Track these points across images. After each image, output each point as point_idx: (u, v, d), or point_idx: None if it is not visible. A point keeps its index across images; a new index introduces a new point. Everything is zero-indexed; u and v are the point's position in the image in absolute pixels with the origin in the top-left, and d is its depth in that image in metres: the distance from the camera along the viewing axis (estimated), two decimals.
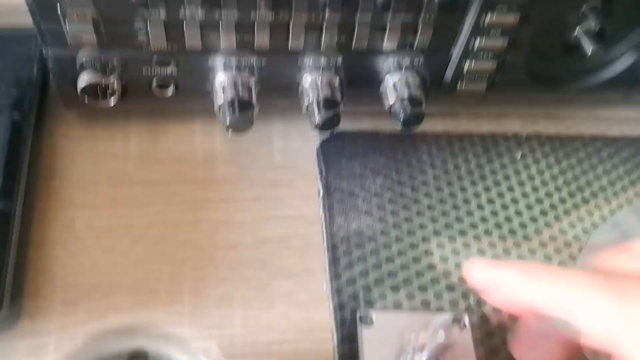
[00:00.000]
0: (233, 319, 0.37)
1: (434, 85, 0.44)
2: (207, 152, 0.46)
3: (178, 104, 0.44)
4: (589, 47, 0.40)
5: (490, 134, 0.49)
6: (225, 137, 0.46)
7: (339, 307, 0.38)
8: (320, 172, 0.45)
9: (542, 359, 0.30)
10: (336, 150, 0.46)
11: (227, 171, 0.45)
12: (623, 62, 0.44)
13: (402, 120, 0.42)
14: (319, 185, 0.44)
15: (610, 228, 0.43)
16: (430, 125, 0.49)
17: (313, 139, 0.47)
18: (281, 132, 0.47)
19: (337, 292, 0.39)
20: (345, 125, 0.48)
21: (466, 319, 0.36)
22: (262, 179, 0.44)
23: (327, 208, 0.43)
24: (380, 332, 0.36)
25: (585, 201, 0.45)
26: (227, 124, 0.40)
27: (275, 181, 0.44)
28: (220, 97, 0.41)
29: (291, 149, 0.46)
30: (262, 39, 0.39)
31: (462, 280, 0.39)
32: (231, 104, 0.40)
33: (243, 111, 0.40)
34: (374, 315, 0.37)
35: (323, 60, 0.41)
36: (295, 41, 0.40)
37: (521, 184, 0.46)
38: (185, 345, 0.36)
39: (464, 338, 0.35)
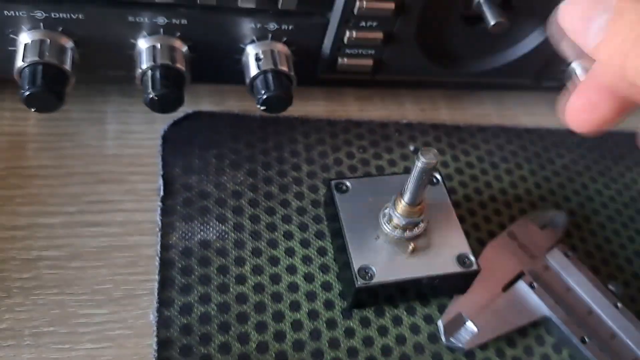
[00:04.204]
0: None
1: (310, 59, 0.36)
2: (15, 135, 0.35)
3: None
4: (491, 19, 0.32)
5: (381, 122, 0.41)
6: (40, 118, 0.35)
7: (164, 344, 0.29)
8: (163, 165, 0.35)
9: (596, 122, 0.28)
10: (188, 136, 0.37)
11: (39, 161, 0.34)
12: (531, 41, 0.37)
13: (263, 100, 0.33)
14: (159, 182, 0.34)
15: None
16: (311, 109, 0.41)
17: (160, 122, 0.37)
18: (117, 111, 0.37)
19: (164, 324, 0.29)
20: (204, 105, 0.39)
21: (437, 175, 0.35)
22: (86, 171, 0.34)
23: (166, 212, 0.33)
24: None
25: (483, 206, 0.38)
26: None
27: (104, 175, 0.34)
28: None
29: (129, 133, 0.36)
30: None
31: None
32: (32, 72, 0.30)
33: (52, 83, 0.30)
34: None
35: (161, 19, 0.32)
36: None
37: None
38: None
39: (439, 191, 0.34)
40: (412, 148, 0.40)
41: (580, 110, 0.28)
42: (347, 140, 0.39)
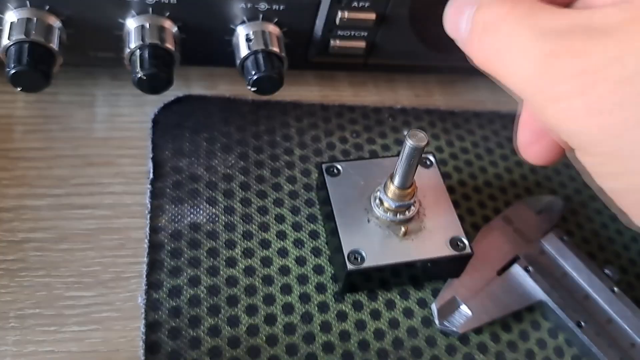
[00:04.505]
0: (5, 345, 0.27)
1: (301, 41, 0.35)
2: (2, 117, 0.34)
3: None
4: None
5: (374, 107, 0.41)
6: (29, 100, 0.35)
7: (152, 327, 0.28)
8: (153, 148, 0.35)
9: (546, 154, 0.28)
10: (179, 119, 0.36)
11: (26, 143, 0.33)
12: None
13: (253, 81, 0.32)
14: (149, 165, 0.34)
15: None
16: (304, 94, 0.40)
17: (150, 105, 0.36)
18: (107, 95, 0.37)
19: (153, 306, 0.29)
20: (195, 89, 0.38)
21: (431, 157, 0.34)
22: (74, 154, 0.34)
23: (156, 194, 0.33)
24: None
25: (478, 191, 0.38)
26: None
27: (92, 158, 0.34)
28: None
29: (119, 116, 0.36)
30: None
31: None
32: (18, 51, 0.29)
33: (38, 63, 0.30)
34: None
35: None
36: None
37: None
38: None
39: (433, 173, 0.34)
40: (406, 133, 0.39)
41: (529, 143, 0.28)
42: (340, 124, 0.39)
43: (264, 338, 0.29)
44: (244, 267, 0.31)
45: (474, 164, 0.39)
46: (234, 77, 0.35)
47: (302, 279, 0.31)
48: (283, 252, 0.32)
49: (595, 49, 0.19)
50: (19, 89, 0.30)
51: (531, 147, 0.27)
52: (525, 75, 0.21)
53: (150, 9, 0.32)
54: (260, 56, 0.32)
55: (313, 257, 0.32)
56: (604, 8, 0.20)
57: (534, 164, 0.28)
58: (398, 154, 0.38)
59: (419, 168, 0.32)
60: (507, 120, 0.42)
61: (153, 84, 0.31)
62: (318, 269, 0.32)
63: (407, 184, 0.30)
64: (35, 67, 0.29)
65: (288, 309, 0.30)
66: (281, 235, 0.33)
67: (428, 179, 0.33)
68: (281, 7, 0.33)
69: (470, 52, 0.23)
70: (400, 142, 0.39)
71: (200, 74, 0.39)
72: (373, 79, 0.43)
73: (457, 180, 0.38)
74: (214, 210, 0.33)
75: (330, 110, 0.40)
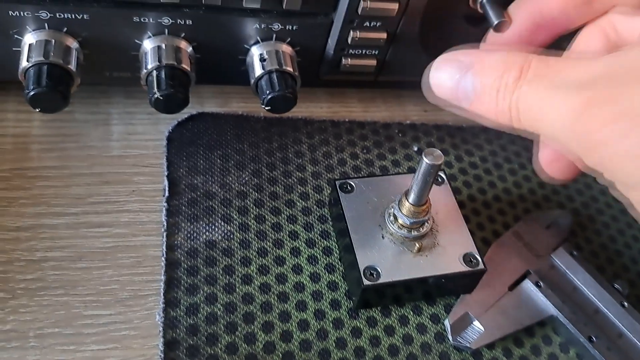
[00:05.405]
0: None
1: (313, 60, 0.36)
2: (19, 137, 0.35)
3: None
4: (494, 18, 0.32)
5: (384, 123, 0.41)
6: (45, 119, 0.35)
7: (170, 345, 0.29)
8: (168, 165, 0.35)
9: (569, 170, 0.28)
10: (193, 137, 0.37)
11: (43, 162, 0.34)
12: None
13: (268, 100, 0.33)
14: (164, 183, 0.34)
15: None
16: (314, 110, 0.41)
17: (164, 123, 0.37)
18: (122, 113, 0.37)
19: (170, 324, 0.29)
20: (208, 106, 0.39)
21: (442, 175, 0.35)
22: (90, 172, 0.34)
23: (172, 212, 0.33)
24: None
25: (487, 206, 0.38)
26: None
27: (108, 176, 0.34)
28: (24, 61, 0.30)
29: (134, 134, 0.36)
30: None
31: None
32: (37, 72, 0.30)
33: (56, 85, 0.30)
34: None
35: (166, 20, 0.32)
36: None
37: None
38: None
39: (444, 190, 0.34)
40: (415, 148, 0.40)
41: (552, 161, 0.28)
42: (351, 141, 0.39)
43: (281, 355, 0.29)
44: (259, 284, 0.31)
45: (483, 179, 0.40)
46: (246, 94, 0.36)
47: (317, 296, 0.32)
48: (297, 269, 0.33)
49: (626, 94, 0.19)
50: (37, 110, 0.30)
51: (553, 164, 0.28)
52: (560, 128, 0.21)
53: (166, 30, 0.32)
54: (274, 76, 0.33)
55: (327, 273, 0.33)
56: (619, 54, 0.20)
57: (556, 181, 0.28)
58: (409, 171, 0.39)
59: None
60: (514, 135, 0.43)
61: (170, 104, 0.31)
62: (332, 285, 0.32)
63: (422, 201, 0.30)
64: (54, 89, 0.29)
65: (303, 325, 0.31)
66: (295, 251, 0.33)
67: (440, 196, 0.34)
68: (294, 27, 0.34)
69: (487, 114, 0.23)
70: (410, 158, 0.39)
71: (213, 91, 0.40)
72: (382, 95, 0.43)
73: (466, 195, 0.38)
74: (229, 227, 0.33)
75: (341, 126, 0.40)
